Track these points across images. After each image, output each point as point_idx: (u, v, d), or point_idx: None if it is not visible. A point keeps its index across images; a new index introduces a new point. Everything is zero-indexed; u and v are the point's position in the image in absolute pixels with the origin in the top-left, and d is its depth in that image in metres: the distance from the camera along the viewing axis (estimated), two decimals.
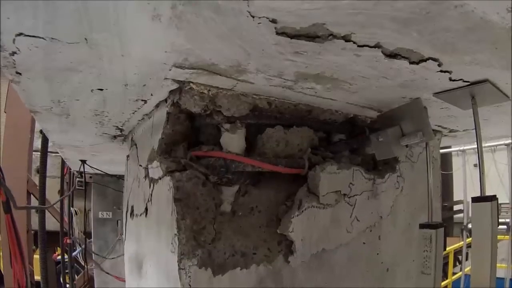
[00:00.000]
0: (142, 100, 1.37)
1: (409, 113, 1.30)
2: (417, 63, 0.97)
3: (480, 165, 1.30)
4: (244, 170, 1.24)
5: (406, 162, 1.77)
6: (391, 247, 1.67)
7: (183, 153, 1.26)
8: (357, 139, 1.57)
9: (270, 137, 1.34)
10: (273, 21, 0.78)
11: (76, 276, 5.30)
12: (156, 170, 1.34)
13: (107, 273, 4.87)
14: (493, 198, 1.20)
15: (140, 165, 1.70)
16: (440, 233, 1.22)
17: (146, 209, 1.56)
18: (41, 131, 3.25)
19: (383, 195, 1.64)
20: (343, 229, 1.48)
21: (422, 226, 1.26)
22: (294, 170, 1.35)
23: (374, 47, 0.89)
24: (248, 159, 1.23)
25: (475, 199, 1.23)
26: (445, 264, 6.13)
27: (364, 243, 1.55)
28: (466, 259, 6.34)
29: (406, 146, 1.32)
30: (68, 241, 4.64)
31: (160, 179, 1.31)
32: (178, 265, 1.13)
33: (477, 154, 1.29)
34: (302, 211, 1.34)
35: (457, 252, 6.80)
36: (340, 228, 1.47)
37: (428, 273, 1.20)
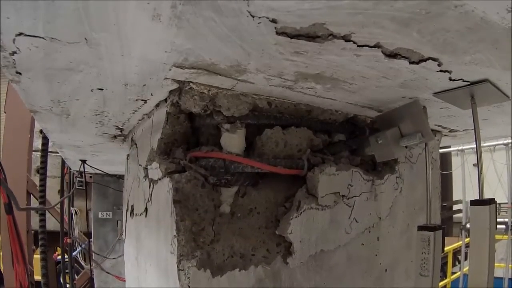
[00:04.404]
0: (142, 100, 1.37)
1: (408, 114, 1.30)
2: (417, 63, 0.97)
3: (478, 166, 1.30)
4: (243, 171, 1.24)
5: (405, 163, 1.77)
6: (389, 248, 1.67)
7: (183, 154, 1.26)
8: (356, 139, 1.57)
9: (269, 137, 1.33)
10: (273, 21, 0.78)
11: (76, 276, 5.30)
12: (155, 171, 1.34)
13: (108, 272, 4.87)
14: (492, 201, 1.19)
15: (140, 165, 1.69)
16: (438, 235, 1.22)
17: (146, 209, 1.56)
18: (41, 131, 3.26)
19: (382, 196, 1.63)
20: (341, 230, 1.48)
21: (420, 228, 1.26)
22: (293, 171, 1.35)
23: (374, 47, 0.89)
24: (247, 159, 1.23)
25: (473, 202, 1.22)
26: (444, 264, 6.14)
27: (362, 244, 1.55)
28: (465, 259, 6.34)
29: (406, 147, 1.32)
30: (68, 241, 4.64)
31: (159, 180, 1.31)
32: (177, 266, 1.13)
33: (476, 154, 1.29)
34: (301, 213, 1.34)
35: (456, 251, 6.80)
36: (338, 229, 1.46)
37: (426, 275, 1.20)
